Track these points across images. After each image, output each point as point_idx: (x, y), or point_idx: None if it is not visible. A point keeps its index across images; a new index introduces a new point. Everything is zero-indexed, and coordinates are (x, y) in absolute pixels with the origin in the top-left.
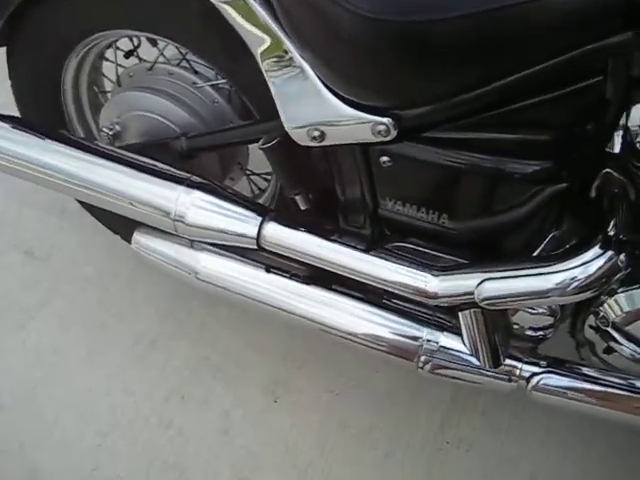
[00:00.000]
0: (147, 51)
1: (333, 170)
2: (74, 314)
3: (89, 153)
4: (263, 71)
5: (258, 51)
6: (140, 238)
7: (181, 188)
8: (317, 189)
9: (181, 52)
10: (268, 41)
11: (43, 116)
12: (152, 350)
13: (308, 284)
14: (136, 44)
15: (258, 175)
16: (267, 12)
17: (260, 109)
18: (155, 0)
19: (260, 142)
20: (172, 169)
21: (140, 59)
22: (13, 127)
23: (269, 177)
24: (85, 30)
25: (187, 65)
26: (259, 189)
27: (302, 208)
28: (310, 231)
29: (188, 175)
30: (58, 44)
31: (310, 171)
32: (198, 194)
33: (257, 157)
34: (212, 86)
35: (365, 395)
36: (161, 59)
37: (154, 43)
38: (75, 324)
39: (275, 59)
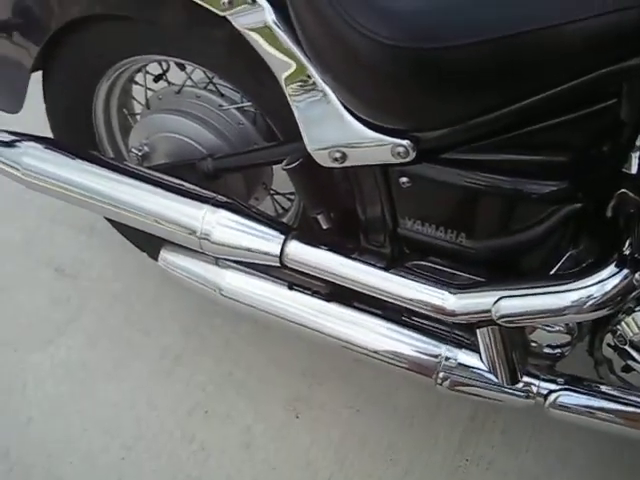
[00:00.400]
0: (175, 75)
1: (354, 190)
2: (102, 330)
3: (119, 173)
4: (287, 95)
5: (282, 76)
6: (167, 255)
7: (207, 207)
8: (338, 208)
9: (208, 76)
10: (292, 66)
11: (75, 138)
12: (177, 365)
13: (329, 301)
14: (165, 68)
15: (282, 195)
16: (291, 39)
17: (283, 131)
18: (183, 27)
19: (283, 163)
20: (198, 189)
21: (169, 82)
22: (46, 148)
23: (292, 197)
24: (116, 56)
25: (214, 88)
26: (283, 208)
27: (324, 227)
28: (332, 249)
29: (214, 195)
30: (91, 69)
31: (332, 191)
32: (223, 213)
33: (281, 177)
34: (237, 109)
35: (385, 412)
36: (189, 82)
37: (182, 67)
38: (102, 339)
39: (298, 84)
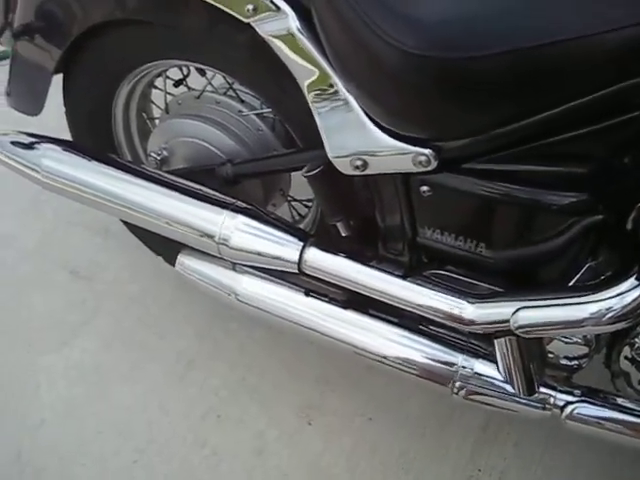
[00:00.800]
0: (195, 80)
1: (374, 198)
2: (116, 332)
3: (138, 176)
4: (309, 102)
5: (305, 83)
6: (184, 260)
7: (226, 212)
8: (358, 216)
9: (228, 82)
10: (315, 74)
11: (94, 141)
12: (190, 369)
13: (346, 308)
14: (185, 73)
15: (299, 201)
16: (314, 46)
17: (303, 138)
18: (205, 33)
19: (304, 170)
20: (217, 194)
21: (188, 88)
22: (65, 150)
23: (310, 204)
24: (137, 60)
25: (233, 94)
26: (300, 215)
27: (343, 234)
28: (350, 257)
29: (233, 200)
30: (111, 73)
31: (351, 199)
32: (242, 218)
33: (298, 184)
34: (257, 115)
35: (397, 420)
36: (209, 88)
37: (203, 73)
38: (117, 342)
39: (321, 91)
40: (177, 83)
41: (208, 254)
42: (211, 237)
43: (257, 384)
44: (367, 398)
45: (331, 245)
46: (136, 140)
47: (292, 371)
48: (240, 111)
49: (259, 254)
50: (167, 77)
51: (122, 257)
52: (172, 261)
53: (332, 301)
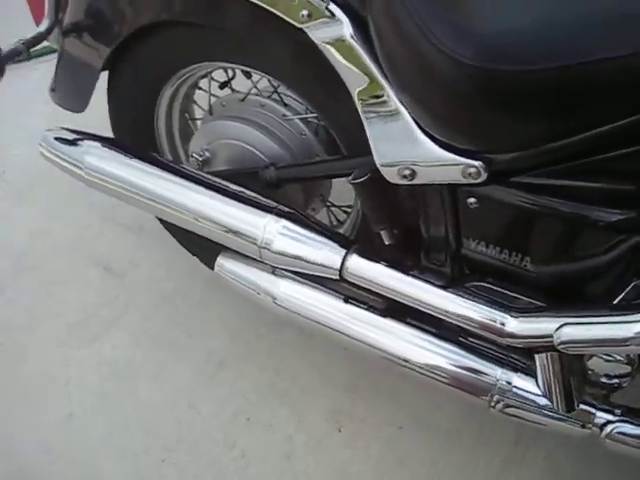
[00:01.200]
0: (239, 83)
1: (419, 208)
2: (147, 329)
3: (180, 176)
4: (359, 109)
5: (356, 90)
6: (223, 261)
7: (269, 216)
8: (402, 225)
9: (273, 85)
10: (366, 82)
11: (136, 139)
12: (220, 370)
13: (385, 316)
14: (231, 76)
15: (338, 207)
16: (367, 54)
17: (347, 145)
18: (256, 36)
19: (351, 177)
20: (260, 197)
21: (232, 90)
22: (109, 147)
23: (349, 210)
24: (184, 62)
25: (278, 98)
26: (338, 221)
27: (386, 243)
28: (392, 265)
29: (276, 204)
30: (157, 73)
31: (396, 208)
32: (285, 223)
33: (336, 190)
34: (301, 119)
35: (427, 430)
36: (253, 91)
37: (248, 75)
38: (148, 339)
39: (372, 99)
40: (222, 85)
41: (248, 257)
42: (253, 240)
43: (287, 388)
44: (398, 407)
45: (373, 253)
46: (177, 140)
47: (323, 376)
48: (284, 115)
49: (301, 259)
50: (212, 79)
51: (156, 255)
52: (207, 262)
53: (371, 308)
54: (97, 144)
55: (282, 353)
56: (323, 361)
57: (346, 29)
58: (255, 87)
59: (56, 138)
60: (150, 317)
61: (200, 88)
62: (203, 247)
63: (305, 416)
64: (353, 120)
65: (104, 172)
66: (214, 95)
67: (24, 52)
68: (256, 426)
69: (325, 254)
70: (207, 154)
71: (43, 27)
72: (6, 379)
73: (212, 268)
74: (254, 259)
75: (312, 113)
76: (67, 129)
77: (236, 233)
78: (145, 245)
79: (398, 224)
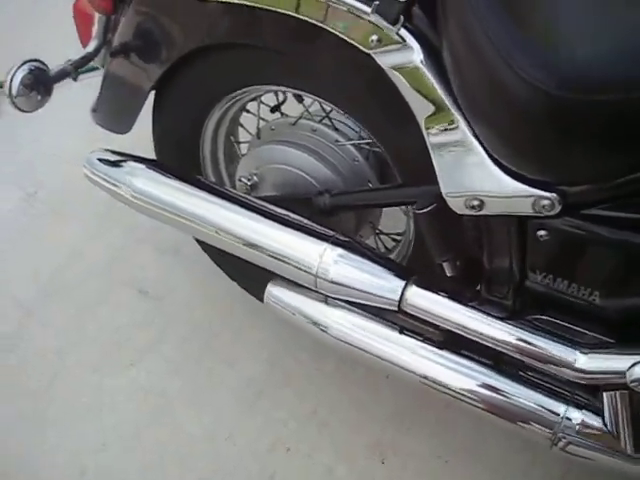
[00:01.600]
0: (286, 106)
1: (484, 239)
2: (184, 356)
3: (232, 202)
4: (425, 137)
5: (424, 118)
6: (273, 289)
7: (326, 245)
8: (465, 256)
9: (324, 109)
10: (436, 109)
11: (180, 161)
12: (258, 398)
13: (441, 349)
14: (281, 100)
15: (386, 235)
16: (438, 81)
17: (405, 172)
18: (315, 60)
19: (415, 206)
20: (315, 224)
21: (282, 113)
22: (154, 170)
23: (398, 237)
24: (236, 84)
25: (329, 123)
26: (386, 248)
27: (448, 274)
28: (452, 297)
29: (332, 232)
30: (208, 95)
31: (461, 238)
32: (343, 252)
33: (385, 217)
34: (353, 145)
35: (475, 464)
36: (304, 115)
37: (300, 99)
38: (184, 367)
39: (441, 127)
40: (274, 109)
41: (299, 285)
42: (309, 269)
43: (327, 417)
44: (444, 439)
45: (431, 283)
46: (221, 163)
47: (364, 406)
48: (337, 140)
49: (358, 290)
50: (261, 102)
51: (193, 279)
52: (247, 287)
53: (427, 340)
54: (142, 166)
55: (323, 381)
56: (365, 390)
57: (417, 55)
58: (307, 111)
59: (100, 159)
60: (187, 342)
61: (248, 111)
62: (242, 272)
63: (346, 446)
64: (415, 147)
65: (150, 195)
66: (263, 119)
67: (72, 73)
68: (295, 456)
69: (384, 284)
70: (255, 178)
71: (91, 47)
72: (38, 404)
73: (252, 293)
74: (305, 287)
75: (364, 139)
76: (110, 150)
77: (291, 261)
78: (182, 268)
79: (461, 255)
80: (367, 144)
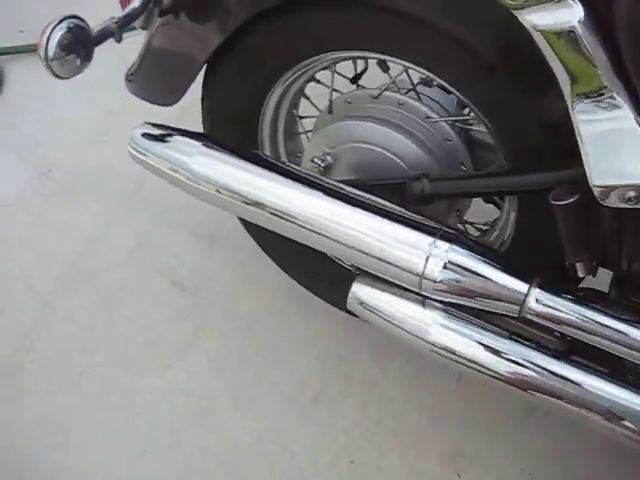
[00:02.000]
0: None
1: (627, 235)
2: (226, 355)
3: (311, 186)
4: (573, 116)
5: (573, 91)
6: (359, 290)
7: (432, 240)
8: (602, 255)
9: (412, 81)
10: (591, 80)
11: (234, 136)
12: (315, 404)
13: (559, 358)
14: (362, 68)
15: (471, 224)
16: (601, 47)
17: (512, 155)
18: (422, 20)
19: (552, 196)
20: (416, 215)
21: (358, 86)
22: (204, 145)
23: (484, 227)
24: (311, 50)
25: (415, 96)
26: None
27: (580, 275)
28: (581, 302)
29: (439, 225)
30: (275, 64)
31: (601, 234)
32: (453, 248)
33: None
34: (448, 122)
35: (560, 478)
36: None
37: (385, 68)
38: (227, 367)
39: (596, 102)
40: (354, 79)
41: (389, 283)
42: (412, 269)
43: (395, 425)
44: (527, 451)
45: (558, 287)
46: (280, 139)
47: (435, 414)
48: (428, 117)
49: (472, 294)
50: (336, 72)
51: (231, 267)
52: (300, 278)
53: (542, 348)
54: (189, 141)
55: (388, 386)
56: (433, 397)
57: (576, 14)
58: (394, 83)
59: (146, 135)
60: (229, 340)
61: (319, 81)
62: (296, 264)
63: (417, 459)
64: (539, 126)
65: (210, 180)
66: (336, 90)
67: (116, 33)
68: (361, 470)
69: (503, 288)
70: (329, 159)
71: (137, 2)
72: (58, 408)
73: (305, 285)
74: (398, 287)
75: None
76: (150, 123)
77: (390, 258)
78: (219, 256)
79: (599, 253)
80: (464, 122)
